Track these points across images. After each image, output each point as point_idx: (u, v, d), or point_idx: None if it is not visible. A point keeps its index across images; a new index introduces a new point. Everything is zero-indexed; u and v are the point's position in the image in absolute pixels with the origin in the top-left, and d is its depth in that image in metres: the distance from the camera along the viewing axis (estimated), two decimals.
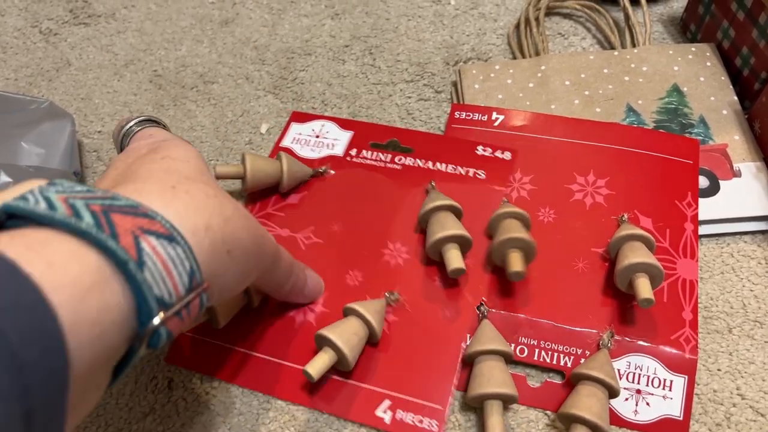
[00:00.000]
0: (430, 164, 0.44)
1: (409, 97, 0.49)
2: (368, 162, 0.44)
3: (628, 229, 0.38)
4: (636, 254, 0.36)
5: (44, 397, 0.17)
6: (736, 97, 0.45)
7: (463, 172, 0.43)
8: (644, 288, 0.35)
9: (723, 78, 0.46)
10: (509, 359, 0.35)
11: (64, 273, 0.18)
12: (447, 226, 0.37)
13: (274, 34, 0.54)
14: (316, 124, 0.47)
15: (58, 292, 0.18)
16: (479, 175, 0.43)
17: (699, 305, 0.39)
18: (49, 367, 0.17)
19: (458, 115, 0.46)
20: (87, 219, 0.20)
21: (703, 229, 0.41)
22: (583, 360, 0.36)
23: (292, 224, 0.42)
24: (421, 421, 0.34)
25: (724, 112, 0.44)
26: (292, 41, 0.54)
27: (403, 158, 0.44)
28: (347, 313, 0.36)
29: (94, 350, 0.19)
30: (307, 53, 0.53)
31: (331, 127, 0.46)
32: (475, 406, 0.35)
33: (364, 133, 0.46)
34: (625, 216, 0.40)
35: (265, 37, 0.54)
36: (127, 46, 0.54)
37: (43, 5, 0.57)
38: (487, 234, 0.40)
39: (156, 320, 0.21)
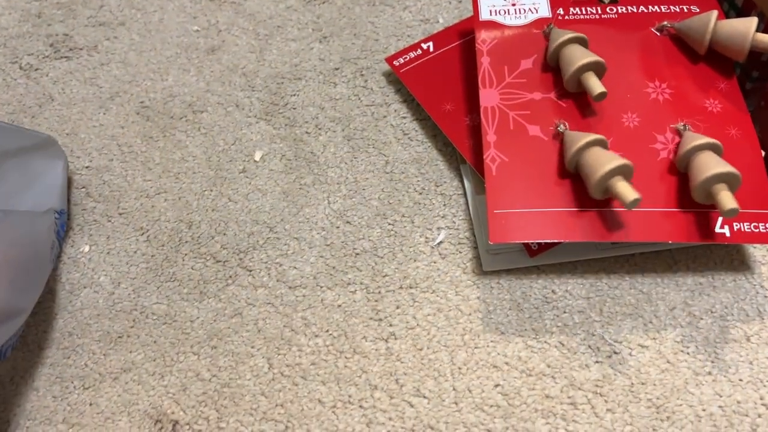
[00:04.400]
0: (643, 8, 0.45)
1: (404, 117, 0.49)
2: (583, 17, 0.45)
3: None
4: (712, 165, 0.35)
5: None
6: None
7: (677, 10, 0.45)
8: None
9: None
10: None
11: None
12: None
13: (262, 60, 0.53)
14: None
15: None
16: (693, 9, 0.45)
17: (714, 314, 0.38)
18: None
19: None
20: None
21: None
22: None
23: (540, 87, 0.42)
24: (757, 227, 0.37)
25: None
26: (281, 66, 0.53)
27: (614, 8, 0.46)
28: None
29: None
30: (297, 78, 0.52)
31: None
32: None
33: None
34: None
35: (253, 63, 0.53)
36: (112, 78, 0.53)
37: (23, 40, 0.56)
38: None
39: None
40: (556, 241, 0.37)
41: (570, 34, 0.41)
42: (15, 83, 0.53)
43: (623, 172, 0.36)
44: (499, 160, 0.40)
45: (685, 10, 0.45)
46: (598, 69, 0.40)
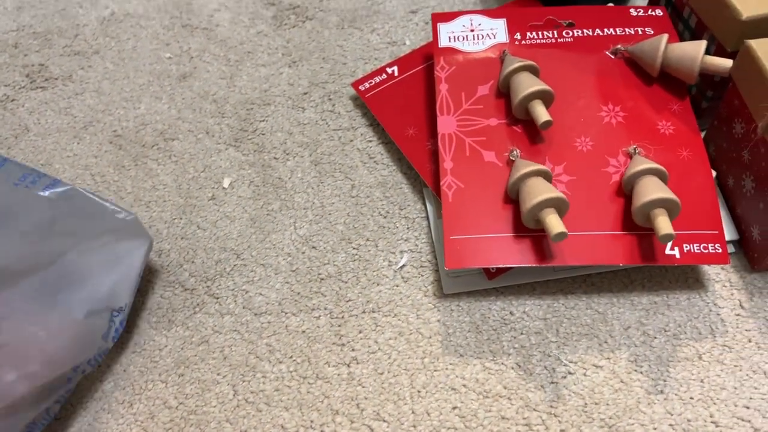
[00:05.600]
0: (598, 31, 0.47)
1: (371, 141, 0.50)
2: (539, 42, 0.46)
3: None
4: (652, 190, 0.36)
5: None
6: None
7: (632, 32, 0.46)
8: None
9: None
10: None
11: None
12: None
13: (233, 86, 0.54)
14: (464, 20, 0.48)
15: None
16: (648, 31, 0.46)
17: (667, 332, 0.39)
18: None
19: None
20: None
21: None
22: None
23: (496, 113, 0.43)
24: (706, 248, 0.38)
25: None
26: (250, 92, 0.54)
27: (570, 31, 0.47)
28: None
29: None
30: (266, 103, 0.53)
31: (481, 19, 0.48)
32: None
33: (518, 18, 0.48)
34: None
35: (223, 89, 0.54)
36: (86, 108, 0.54)
37: None
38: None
39: None
40: (510, 265, 0.38)
41: (519, 63, 0.42)
42: None
43: (556, 205, 0.37)
44: (456, 186, 0.41)
45: (640, 33, 0.46)
46: (546, 97, 0.41)
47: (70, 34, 0.59)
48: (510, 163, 0.41)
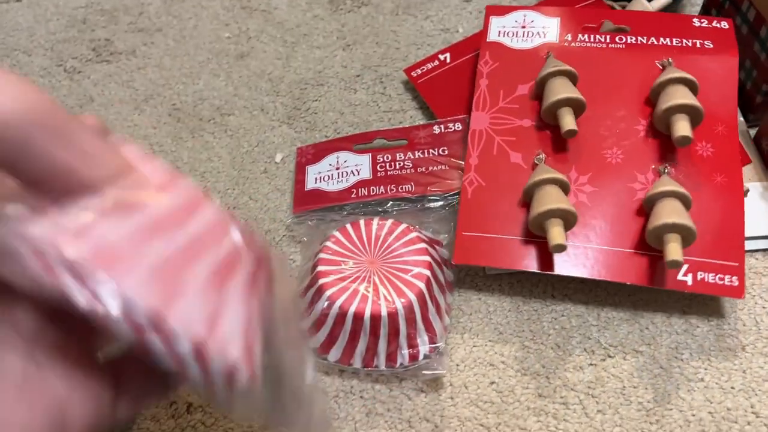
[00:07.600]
0: (653, 40, 0.44)
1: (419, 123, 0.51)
2: (589, 45, 0.45)
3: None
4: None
5: None
6: (742, 118, 0.45)
7: (690, 44, 0.43)
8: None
9: None
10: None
11: None
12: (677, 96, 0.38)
13: (288, 66, 0.56)
14: (517, 15, 0.47)
15: None
16: (707, 44, 0.43)
17: (711, 323, 0.39)
18: None
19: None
20: None
21: None
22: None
23: (530, 115, 0.43)
24: (722, 279, 0.37)
25: None
26: (305, 72, 0.55)
27: (624, 37, 0.45)
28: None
29: None
30: (319, 84, 0.54)
31: (535, 16, 0.47)
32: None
33: (572, 18, 0.46)
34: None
35: (279, 69, 0.56)
36: (147, 82, 0.56)
37: (68, 45, 0.60)
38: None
39: None
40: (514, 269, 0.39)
41: (555, 67, 0.42)
42: (59, 85, 0.57)
43: (564, 216, 0.37)
44: (477, 183, 0.41)
45: (698, 45, 0.44)
46: (576, 105, 0.40)
47: (135, 12, 0.62)
48: (534, 167, 0.41)
